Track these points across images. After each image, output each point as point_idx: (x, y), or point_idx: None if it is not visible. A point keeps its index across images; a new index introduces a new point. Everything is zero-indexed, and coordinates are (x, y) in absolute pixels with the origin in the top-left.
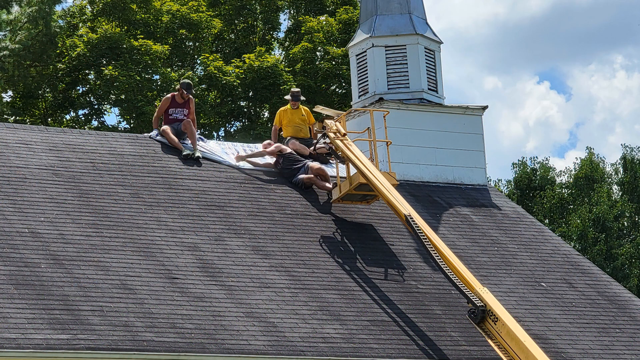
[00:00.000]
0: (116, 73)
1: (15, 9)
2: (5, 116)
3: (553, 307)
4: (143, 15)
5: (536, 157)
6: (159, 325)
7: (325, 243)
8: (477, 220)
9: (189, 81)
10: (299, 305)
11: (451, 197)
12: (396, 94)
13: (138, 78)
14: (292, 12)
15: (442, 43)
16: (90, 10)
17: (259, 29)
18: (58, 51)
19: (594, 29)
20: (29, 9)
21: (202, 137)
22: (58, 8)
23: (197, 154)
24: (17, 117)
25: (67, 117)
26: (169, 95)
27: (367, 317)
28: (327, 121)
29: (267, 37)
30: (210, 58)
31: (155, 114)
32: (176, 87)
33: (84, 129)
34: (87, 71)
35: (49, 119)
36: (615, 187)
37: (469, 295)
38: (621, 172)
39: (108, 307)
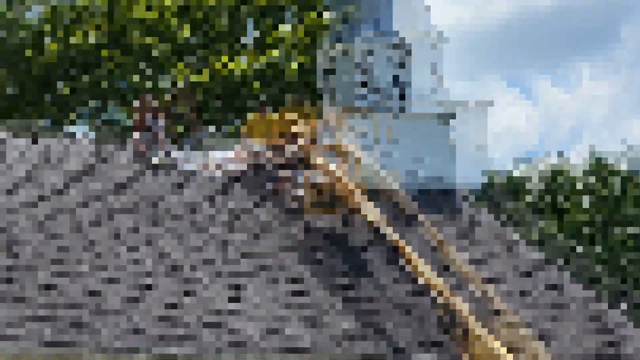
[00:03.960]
0: (86, 81)
1: None
2: None
3: (524, 315)
4: (112, 24)
5: (506, 163)
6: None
7: (296, 251)
8: (448, 227)
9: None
10: (269, 315)
11: (422, 203)
12: (366, 100)
13: (107, 86)
14: (258, 22)
15: (410, 49)
16: (62, 20)
17: (226, 38)
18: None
19: (561, 34)
20: None
21: (170, 144)
22: (29, 15)
23: (168, 162)
24: None
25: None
26: (137, 104)
27: (338, 327)
28: (297, 128)
29: (234, 46)
30: (179, 67)
31: (133, 123)
32: (145, 95)
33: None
34: (57, 80)
35: None
36: (586, 194)
37: (442, 303)
38: (592, 178)
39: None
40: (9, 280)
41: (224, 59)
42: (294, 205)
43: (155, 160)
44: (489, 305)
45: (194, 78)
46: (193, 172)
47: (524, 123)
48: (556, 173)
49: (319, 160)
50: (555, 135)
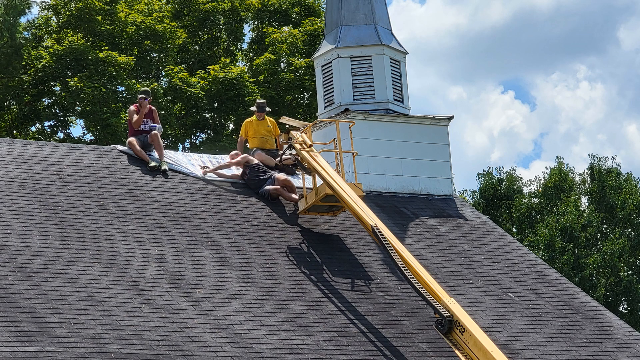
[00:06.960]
0: (82, 85)
1: None
2: None
3: (520, 317)
4: (108, 27)
5: (502, 167)
6: (126, 337)
7: (292, 254)
8: (444, 231)
9: (145, 89)
10: (266, 317)
11: (418, 207)
12: (362, 105)
13: (103, 90)
14: (256, 23)
15: (408, 53)
16: (56, 22)
17: (223, 40)
18: (24, 63)
19: (556, 38)
20: None
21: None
22: (23, 20)
23: (164, 166)
24: None
25: (33, 128)
26: (132, 107)
27: (335, 328)
28: (293, 132)
29: (231, 48)
30: (175, 70)
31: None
32: (138, 98)
33: (50, 140)
34: (52, 83)
35: (15, 131)
36: (583, 197)
37: (435, 305)
38: (589, 182)
39: (75, 319)
40: None
41: (222, 60)
42: (290, 208)
43: (152, 164)
44: None
45: (190, 80)
46: (189, 175)
47: (520, 126)
48: (555, 176)
49: (315, 164)
50: (551, 138)
